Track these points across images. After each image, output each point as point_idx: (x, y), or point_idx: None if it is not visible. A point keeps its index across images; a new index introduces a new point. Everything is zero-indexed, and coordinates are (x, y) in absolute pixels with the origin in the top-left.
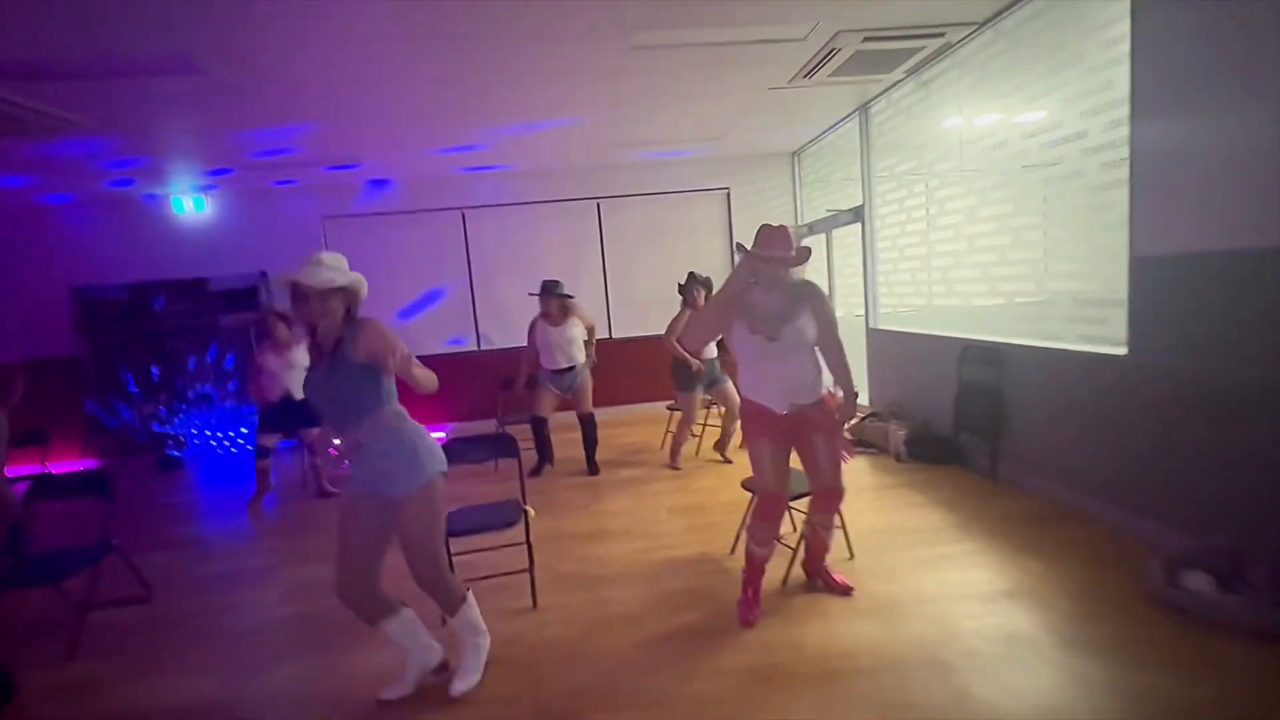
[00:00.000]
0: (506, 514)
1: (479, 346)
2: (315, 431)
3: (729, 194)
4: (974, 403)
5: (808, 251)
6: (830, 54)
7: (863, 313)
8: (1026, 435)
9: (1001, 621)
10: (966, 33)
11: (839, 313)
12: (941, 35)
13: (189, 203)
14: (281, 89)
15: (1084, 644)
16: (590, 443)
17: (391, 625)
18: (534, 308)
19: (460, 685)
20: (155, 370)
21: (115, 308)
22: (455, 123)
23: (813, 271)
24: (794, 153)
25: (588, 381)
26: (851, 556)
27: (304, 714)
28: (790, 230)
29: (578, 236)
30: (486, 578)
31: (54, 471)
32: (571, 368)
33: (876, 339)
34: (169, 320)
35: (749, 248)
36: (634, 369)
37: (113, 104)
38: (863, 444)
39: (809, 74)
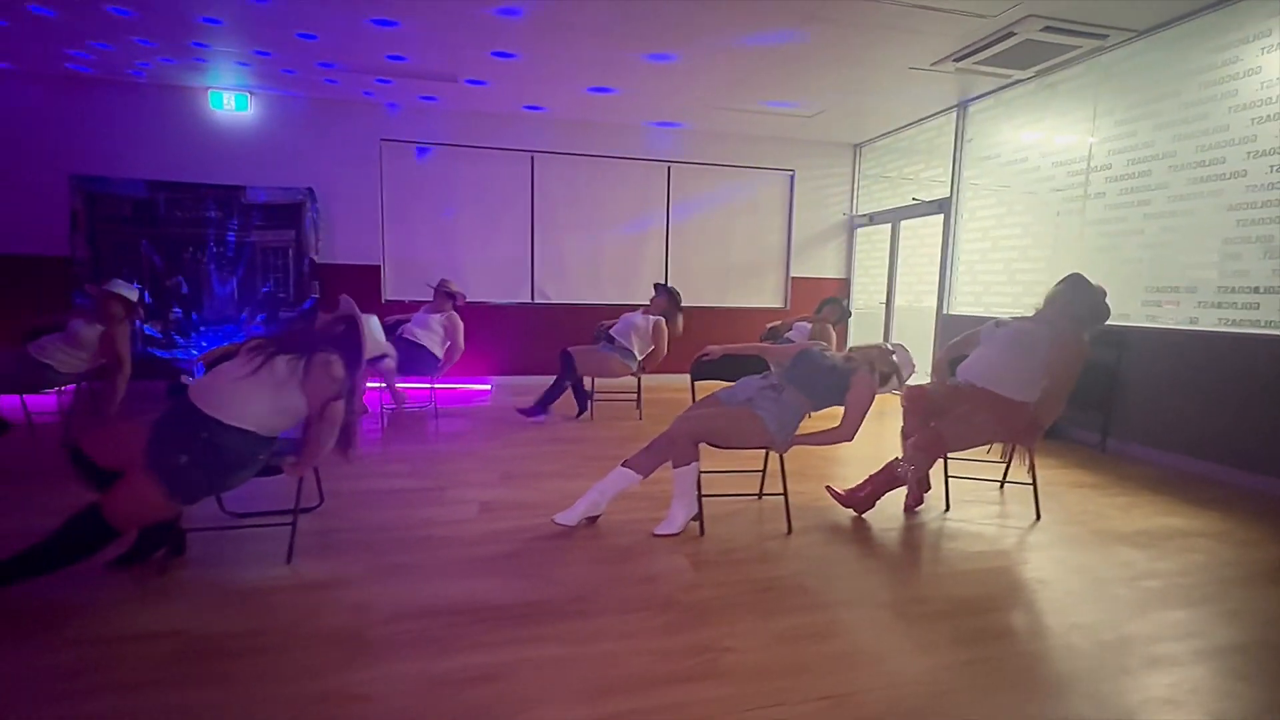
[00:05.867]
0: None
1: (533, 298)
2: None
3: (793, 176)
4: (1082, 380)
5: None
6: (1004, 38)
7: (935, 301)
8: (1145, 409)
9: (1212, 552)
10: (1124, 38)
11: (901, 301)
12: (1105, 37)
13: (230, 100)
14: None
15: None
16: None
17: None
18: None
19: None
20: (174, 283)
21: (128, 205)
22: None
23: (872, 263)
24: (856, 145)
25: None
26: (1038, 518)
27: (622, 613)
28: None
29: (645, 198)
30: (724, 495)
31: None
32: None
33: (951, 324)
34: (193, 227)
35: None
36: (685, 341)
37: None
38: None
39: (960, 57)
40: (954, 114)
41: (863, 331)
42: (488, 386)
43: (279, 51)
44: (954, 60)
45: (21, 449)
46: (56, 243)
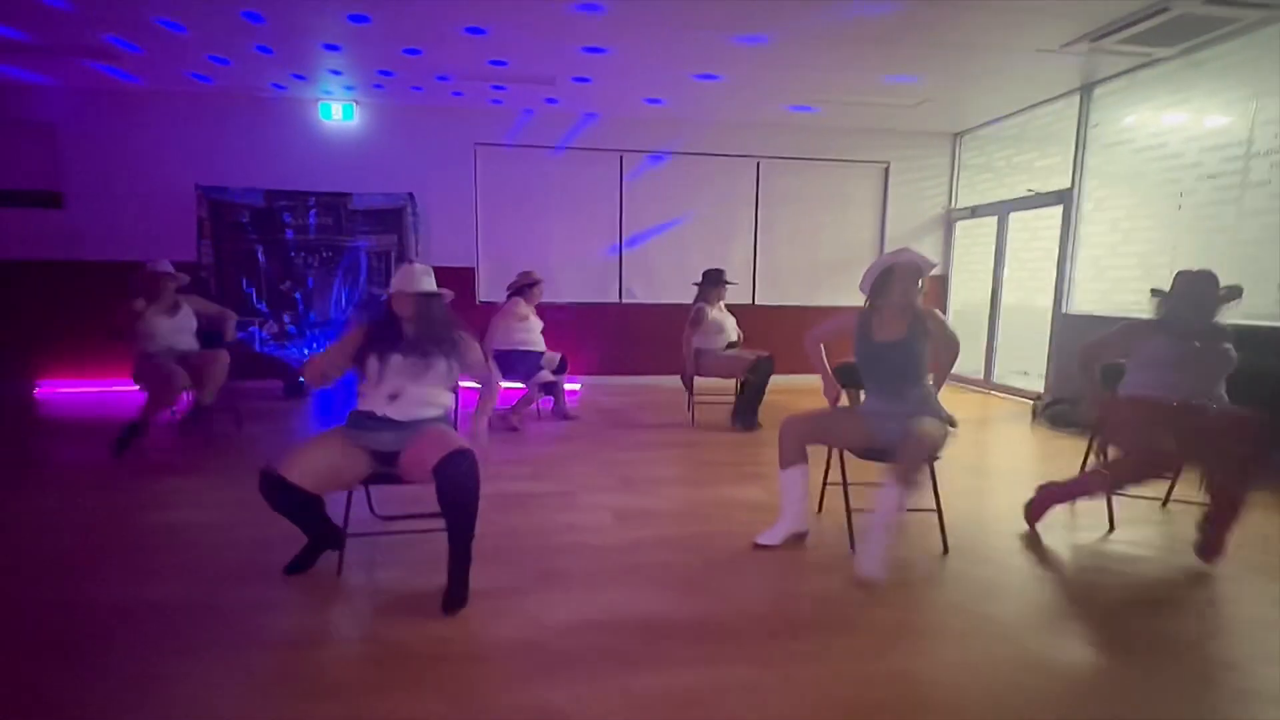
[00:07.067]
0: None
1: (621, 299)
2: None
3: (888, 169)
4: (1241, 387)
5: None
6: (1156, 13)
7: (1050, 299)
8: None
9: None
10: None
11: (1009, 299)
12: (1274, 6)
13: (338, 111)
14: None
15: None
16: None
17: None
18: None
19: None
20: (288, 287)
21: (247, 213)
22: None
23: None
24: (956, 134)
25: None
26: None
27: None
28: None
29: (733, 194)
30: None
31: None
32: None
33: (1070, 324)
34: (304, 234)
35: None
36: (774, 339)
37: None
38: (1070, 425)
39: (1098, 37)
40: (1075, 98)
41: (967, 331)
42: (577, 386)
43: (466, 76)
44: (1090, 40)
45: (168, 445)
46: (186, 249)
